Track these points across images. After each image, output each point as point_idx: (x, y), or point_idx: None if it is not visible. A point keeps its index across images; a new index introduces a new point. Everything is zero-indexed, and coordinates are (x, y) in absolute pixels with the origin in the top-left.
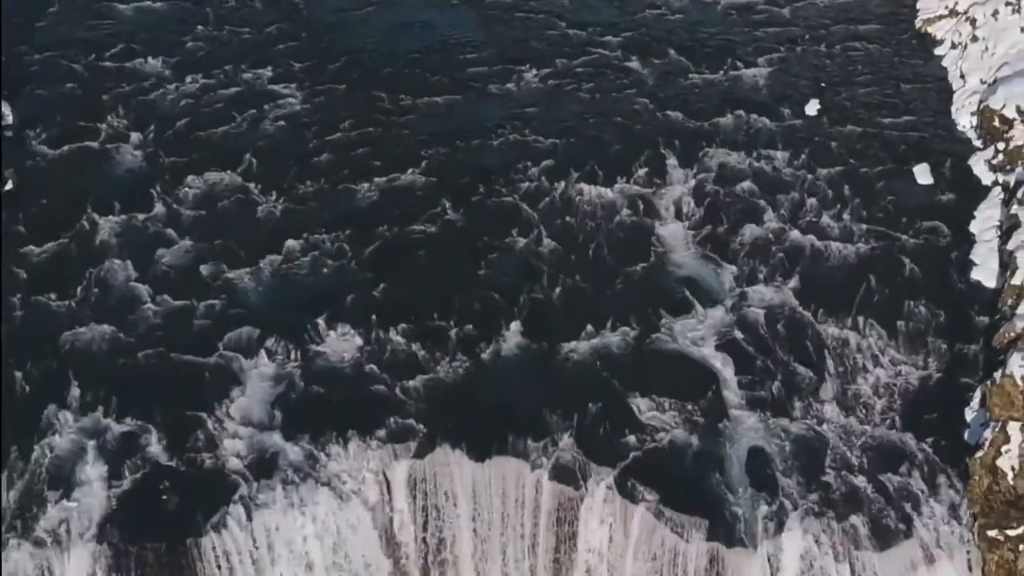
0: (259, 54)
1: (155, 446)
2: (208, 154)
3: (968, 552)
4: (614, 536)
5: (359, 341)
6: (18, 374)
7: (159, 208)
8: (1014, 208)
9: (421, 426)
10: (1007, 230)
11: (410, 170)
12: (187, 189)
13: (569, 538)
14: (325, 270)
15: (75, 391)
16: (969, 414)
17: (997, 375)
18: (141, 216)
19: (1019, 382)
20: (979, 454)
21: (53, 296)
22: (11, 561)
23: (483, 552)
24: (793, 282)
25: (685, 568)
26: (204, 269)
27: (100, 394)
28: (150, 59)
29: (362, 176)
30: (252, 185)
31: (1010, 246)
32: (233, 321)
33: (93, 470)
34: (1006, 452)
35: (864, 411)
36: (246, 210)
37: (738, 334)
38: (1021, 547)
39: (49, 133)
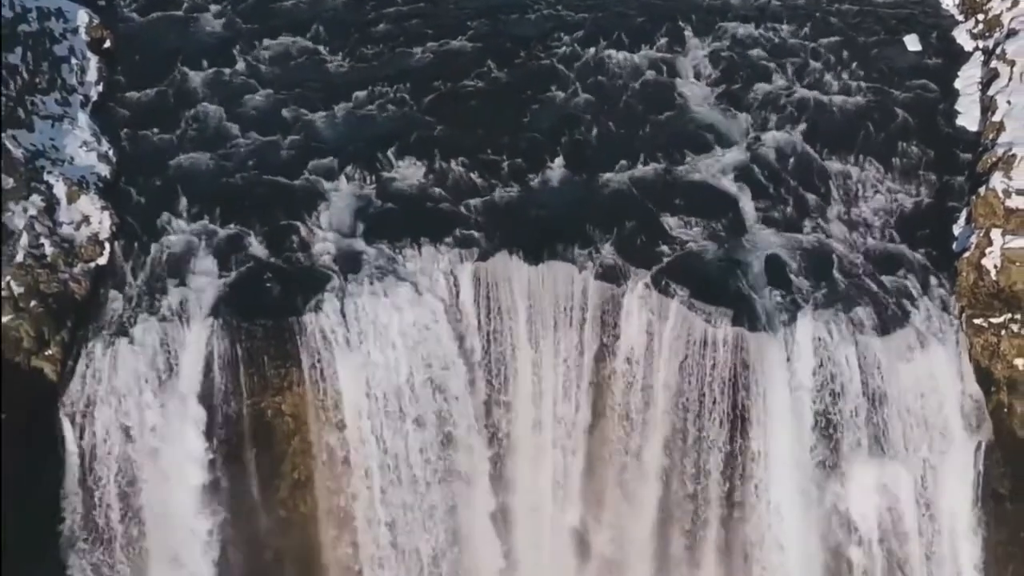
0: None
1: (256, 247)
2: (280, 22)
3: (956, 337)
4: (652, 325)
5: (424, 170)
6: (132, 190)
7: (241, 64)
8: (993, 63)
9: (482, 236)
10: (987, 82)
11: (458, 37)
12: (264, 51)
13: (612, 328)
14: (389, 115)
15: (184, 203)
16: (956, 229)
17: (982, 190)
18: (226, 71)
19: (1000, 195)
20: (966, 255)
21: (156, 130)
22: (141, 333)
23: (537, 342)
24: (800, 128)
25: (714, 350)
26: (285, 112)
27: (206, 206)
28: None
29: (416, 42)
30: (321, 48)
31: (990, 92)
32: (314, 152)
33: (205, 263)
34: (989, 253)
35: (865, 228)
36: (317, 68)
37: (754, 168)
38: (1003, 332)
39: (137, 3)
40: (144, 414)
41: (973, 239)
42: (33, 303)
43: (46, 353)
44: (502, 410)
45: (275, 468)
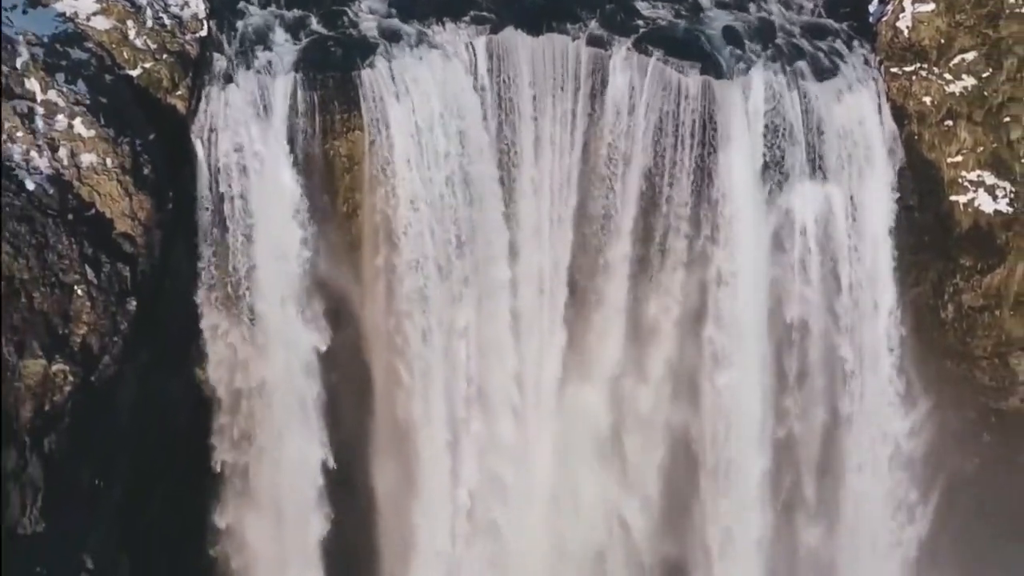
0: None
1: (316, 24)
2: None
3: (877, 83)
4: (634, 79)
5: None
6: None
7: None
8: None
9: (493, 16)
10: None
11: None
12: None
13: (601, 84)
14: None
15: None
16: (871, 7)
17: None
18: None
19: None
20: (884, 18)
21: None
22: (243, 81)
23: (539, 97)
24: None
25: (686, 95)
26: None
27: None
28: None
29: None
30: None
31: None
32: None
33: (280, 35)
34: (903, 16)
35: (799, 9)
36: None
37: None
38: (914, 77)
39: None
40: (251, 140)
41: (890, 7)
42: (165, 55)
43: (177, 93)
44: (510, 148)
45: (334, 193)
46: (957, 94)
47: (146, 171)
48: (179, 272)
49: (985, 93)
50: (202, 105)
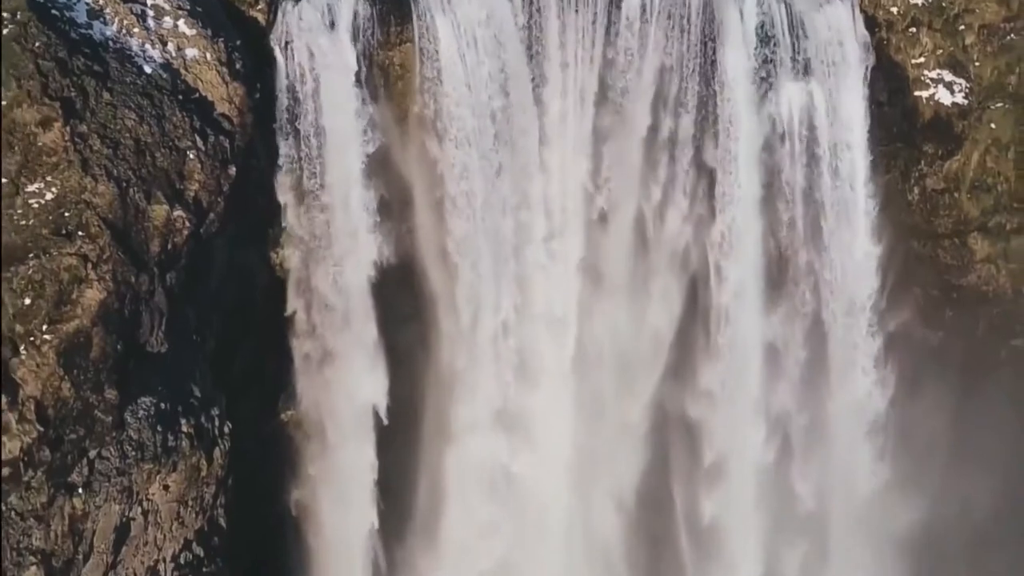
0: None
1: None
2: None
3: None
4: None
5: None
6: None
7: None
8: None
9: None
10: None
11: None
12: None
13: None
14: None
15: None
16: None
17: None
18: None
19: None
20: None
21: None
22: (310, 0)
23: (562, 15)
24: None
25: (689, 10)
26: None
27: None
28: None
29: None
30: None
31: None
32: None
33: None
34: None
35: None
36: None
37: None
38: None
39: None
40: (322, 48)
41: None
42: None
43: (258, 7)
44: (540, 56)
45: (389, 96)
46: (920, 5)
47: (238, 66)
48: (261, 156)
49: (943, 4)
50: (279, 18)
